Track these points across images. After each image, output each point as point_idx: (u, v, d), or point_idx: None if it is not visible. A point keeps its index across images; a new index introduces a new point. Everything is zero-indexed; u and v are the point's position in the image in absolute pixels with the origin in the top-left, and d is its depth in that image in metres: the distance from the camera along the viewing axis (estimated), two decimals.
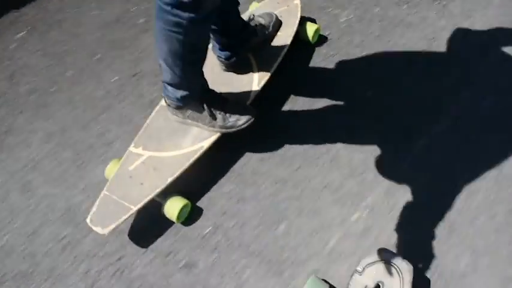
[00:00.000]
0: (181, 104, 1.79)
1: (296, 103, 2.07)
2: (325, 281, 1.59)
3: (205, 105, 1.80)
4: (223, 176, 1.90)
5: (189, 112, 1.82)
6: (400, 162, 1.87)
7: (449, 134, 1.92)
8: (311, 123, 2.01)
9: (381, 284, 1.55)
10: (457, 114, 1.97)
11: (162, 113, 1.93)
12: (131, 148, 1.85)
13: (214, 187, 1.88)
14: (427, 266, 1.63)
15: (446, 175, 1.82)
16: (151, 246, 1.76)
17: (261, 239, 1.74)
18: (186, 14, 1.43)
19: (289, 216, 1.78)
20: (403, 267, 1.56)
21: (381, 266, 1.58)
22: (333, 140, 1.95)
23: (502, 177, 1.80)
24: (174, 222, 1.79)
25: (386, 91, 2.07)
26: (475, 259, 1.64)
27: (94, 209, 1.70)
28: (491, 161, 1.84)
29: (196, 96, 1.79)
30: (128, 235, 1.79)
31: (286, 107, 2.06)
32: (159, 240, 1.77)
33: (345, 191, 1.81)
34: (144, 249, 1.75)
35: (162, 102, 1.95)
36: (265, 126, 1.98)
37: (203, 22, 1.53)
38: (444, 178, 1.81)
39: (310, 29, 2.23)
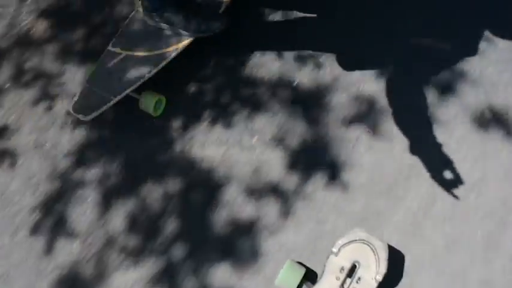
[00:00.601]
0: (158, 6, 1.91)
1: (268, 13, 2.21)
2: (302, 264, 1.62)
3: (180, 9, 1.93)
4: (196, 76, 2.06)
5: (165, 15, 1.94)
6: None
7: None
8: (278, 33, 2.16)
9: (357, 264, 1.55)
10: None
11: (138, 18, 2.05)
12: (109, 47, 1.97)
13: (189, 85, 2.04)
14: (401, 243, 1.66)
15: None
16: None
17: (230, 130, 1.94)
18: None
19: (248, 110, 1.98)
20: (378, 245, 1.56)
21: (356, 246, 1.58)
22: (304, 46, 2.11)
23: None
24: (151, 116, 1.96)
25: None
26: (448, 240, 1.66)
27: (76, 98, 1.83)
28: None
29: None
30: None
31: (259, 17, 2.21)
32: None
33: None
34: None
35: (139, 8, 2.07)
36: (236, 34, 2.12)
37: None
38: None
39: None
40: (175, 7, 1.94)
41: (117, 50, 1.96)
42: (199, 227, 1.76)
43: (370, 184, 1.75)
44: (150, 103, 1.90)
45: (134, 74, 1.91)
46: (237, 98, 2.00)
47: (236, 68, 2.07)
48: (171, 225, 1.78)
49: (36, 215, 1.86)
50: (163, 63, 1.93)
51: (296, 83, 1.98)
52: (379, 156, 1.79)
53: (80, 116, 1.80)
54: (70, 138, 1.96)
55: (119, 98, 1.84)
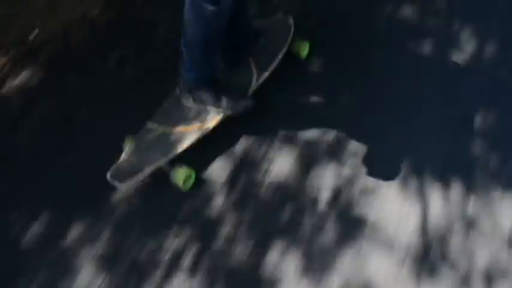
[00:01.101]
0: (194, 86, 2.14)
1: (290, 93, 2.39)
2: None
3: (213, 89, 2.15)
4: (224, 152, 2.22)
5: (199, 94, 2.16)
6: None
7: None
8: (300, 113, 2.33)
9: None
10: None
11: (175, 98, 2.27)
12: (148, 124, 2.18)
13: (217, 161, 2.20)
14: None
15: None
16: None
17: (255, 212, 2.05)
18: (209, 6, 1.84)
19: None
20: None
21: None
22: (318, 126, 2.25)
23: None
24: (181, 189, 2.11)
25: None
26: None
27: (114, 167, 2.02)
28: None
29: (208, 80, 2.16)
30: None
31: (279, 98, 2.39)
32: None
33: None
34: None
35: (177, 91, 2.29)
36: (262, 115, 2.29)
37: (222, 13, 1.91)
38: None
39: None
40: (209, 88, 2.16)
41: (155, 126, 2.17)
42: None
43: None
44: (180, 178, 2.06)
45: (168, 148, 2.08)
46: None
47: (262, 148, 2.23)
48: None
49: None
50: (196, 137, 2.11)
51: None
52: None
53: (116, 184, 1.98)
54: None
55: (152, 169, 2.01)
